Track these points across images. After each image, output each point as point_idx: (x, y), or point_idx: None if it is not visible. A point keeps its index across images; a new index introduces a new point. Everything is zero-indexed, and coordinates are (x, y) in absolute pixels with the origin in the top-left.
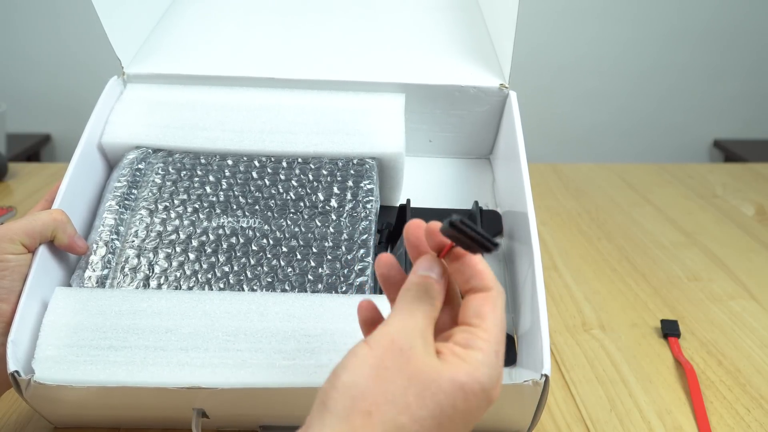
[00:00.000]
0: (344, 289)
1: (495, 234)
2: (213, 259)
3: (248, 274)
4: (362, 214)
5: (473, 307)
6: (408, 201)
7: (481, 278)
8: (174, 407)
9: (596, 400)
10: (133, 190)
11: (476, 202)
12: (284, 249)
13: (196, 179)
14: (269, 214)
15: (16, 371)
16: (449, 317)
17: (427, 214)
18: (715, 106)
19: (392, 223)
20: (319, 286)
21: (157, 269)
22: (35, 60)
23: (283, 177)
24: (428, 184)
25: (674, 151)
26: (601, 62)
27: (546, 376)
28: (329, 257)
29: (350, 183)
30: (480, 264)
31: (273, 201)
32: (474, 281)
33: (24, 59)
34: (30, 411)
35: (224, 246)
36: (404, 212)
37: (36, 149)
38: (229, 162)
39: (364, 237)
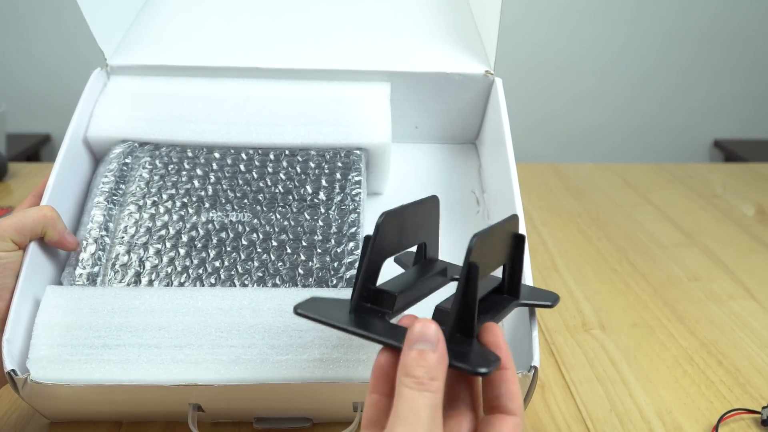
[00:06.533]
0: (334, 282)
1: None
2: (203, 254)
3: (239, 269)
4: (351, 207)
5: None
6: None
7: (514, 401)
8: (170, 402)
9: (596, 400)
10: (121, 185)
11: (377, 224)
12: (274, 243)
13: (184, 173)
14: (258, 207)
15: (13, 370)
16: (467, 408)
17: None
18: (715, 106)
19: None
20: (310, 279)
21: (147, 265)
22: (35, 60)
23: (271, 170)
24: (415, 170)
25: (674, 151)
26: (601, 62)
27: (535, 367)
28: (319, 250)
29: (338, 175)
30: (516, 384)
31: (262, 194)
32: (505, 400)
33: (24, 59)
34: (30, 410)
35: (214, 241)
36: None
37: (36, 149)
38: (217, 155)
39: (353, 229)
